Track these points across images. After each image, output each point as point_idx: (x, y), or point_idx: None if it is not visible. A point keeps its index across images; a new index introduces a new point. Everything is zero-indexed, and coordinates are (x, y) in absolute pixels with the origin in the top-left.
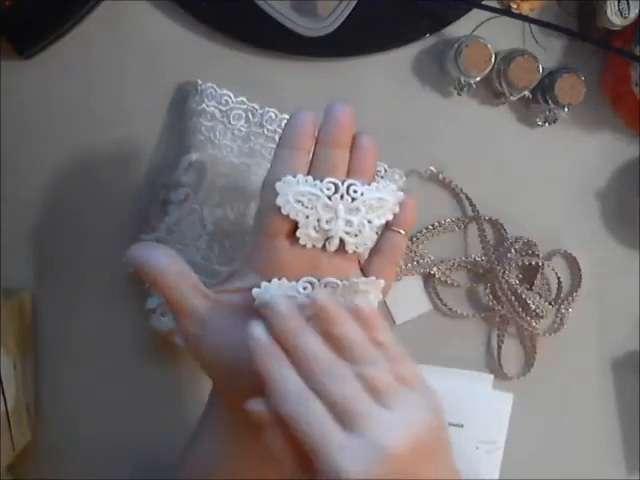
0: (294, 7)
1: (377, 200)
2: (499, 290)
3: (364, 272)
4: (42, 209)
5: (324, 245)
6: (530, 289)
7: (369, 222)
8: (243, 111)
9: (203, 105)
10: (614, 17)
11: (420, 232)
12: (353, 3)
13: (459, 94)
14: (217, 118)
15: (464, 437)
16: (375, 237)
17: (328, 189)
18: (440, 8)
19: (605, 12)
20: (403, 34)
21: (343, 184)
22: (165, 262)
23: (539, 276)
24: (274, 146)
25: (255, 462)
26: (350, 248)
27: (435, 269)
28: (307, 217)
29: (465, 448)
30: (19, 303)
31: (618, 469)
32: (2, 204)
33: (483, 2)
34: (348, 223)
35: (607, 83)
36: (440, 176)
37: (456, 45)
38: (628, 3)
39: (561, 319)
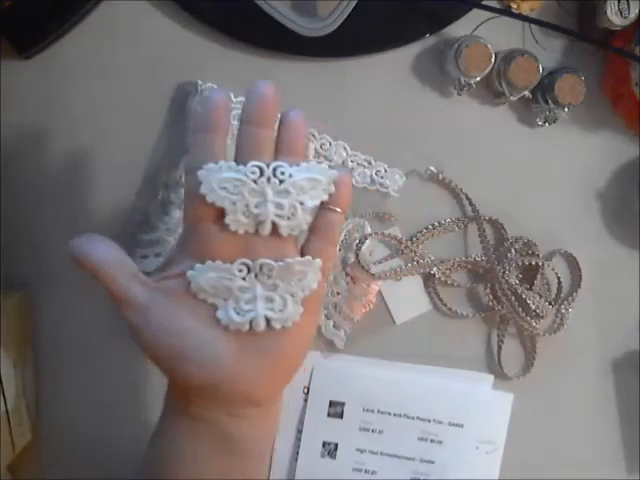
0: (294, 7)
1: (308, 180)
2: (499, 290)
3: (302, 253)
4: (42, 209)
5: (257, 230)
6: (530, 289)
7: (301, 204)
8: None
9: None
10: (614, 17)
11: (420, 232)
12: (353, 3)
13: (459, 94)
14: None
15: (464, 437)
16: (310, 219)
17: (253, 173)
18: (440, 8)
19: (605, 12)
20: (403, 34)
21: (269, 167)
22: (103, 253)
23: (539, 276)
24: None
25: (211, 454)
26: (284, 231)
27: (435, 269)
28: (234, 203)
29: (465, 448)
30: (19, 303)
31: (618, 469)
32: (2, 204)
33: (483, 2)
34: (278, 206)
35: (607, 83)
36: (440, 176)
37: (456, 45)
38: (628, 3)
39: (561, 319)
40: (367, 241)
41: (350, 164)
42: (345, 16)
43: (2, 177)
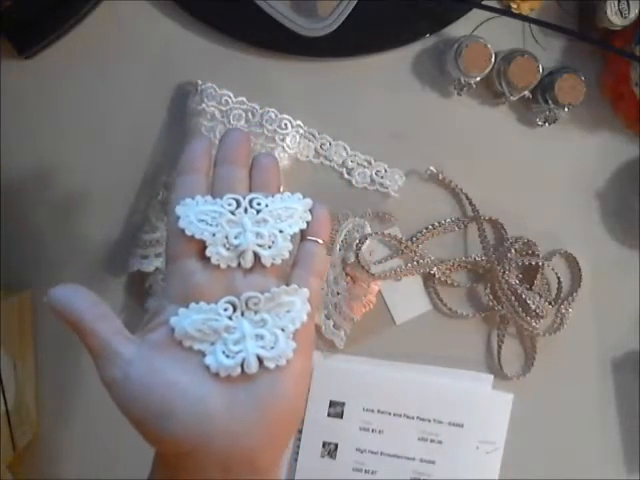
0: (294, 7)
1: (284, 209)
2: (499, 290)
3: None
4: (42, 209)
5: (239, 263)
6: (530, 289)
7: (280, 232)
8: (243, 111)
9: (203, 105)
10: (614, 17)
11: (420, 232)
12: (353, 3)
13: (459, 94)
14: (217, 118)
15: (464, 437)
16: (291, 247)
17: (229, 205)
18: (440, 8)
19: (605, 12)
20: (403, 34)
21: (244, 198)
22: (84, 306)
23: (539, 276)
24: (274, 146)
25: None
26: (266, 261)
27: (435, 269)
28: (214, 235)
29: (465, 448)
30: (19, 303)
31: (618, 469)
32: (2, 204)
33: (483, 2)
34: (258, 235)
35: (607, 83)
36: (440, 176)
37: (456, 45)
38: (628, 3)
39: (561, 319)
40: (367, 241)
41: (350, 164)
42: (345, 16)
43: (2, 177)
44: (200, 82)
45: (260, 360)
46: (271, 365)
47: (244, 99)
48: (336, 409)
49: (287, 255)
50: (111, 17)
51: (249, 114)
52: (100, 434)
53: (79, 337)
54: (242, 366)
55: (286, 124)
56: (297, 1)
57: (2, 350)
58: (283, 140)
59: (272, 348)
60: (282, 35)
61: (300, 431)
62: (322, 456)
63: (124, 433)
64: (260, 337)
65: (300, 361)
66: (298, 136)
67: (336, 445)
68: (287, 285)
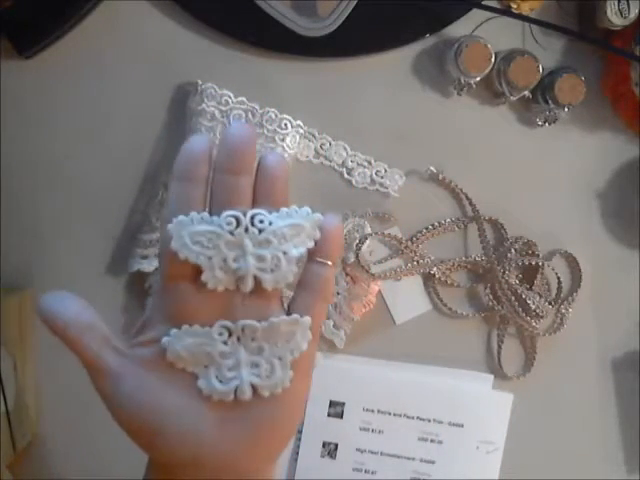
0: (294, 7)
1: (290, 227)
2: (499, 290)
3: (289, 310)
4: (42, 209)
5: (238, 286)
6: (530, 289)
7: (284, 254)
8: (243, 111)
9: (203, 105)
10: (614, 17)
11: (420, 232)
12: (353, 3)
13: (459, 94)
14: (217, 118)
15: (464, 437)
16: (295, 269)
17: (229, 224)
18: (440, 8)
19: (605, 12)
20: (403, 34)
21: (245, 216)
22: (72, 315)
23: (539, 276)
24: (274, 146)
25: None
26: (268, 285)
27: (435, 269)
28: (210, 259)
29: (465, 448)
30: (19, 303)
31: (618, 469)
32: (2, 204)
33: (483, 2)
34: (260, 258)
35: (607, 83)
36: (440, 176)
37: (456, 45)
38: (628, 3)
39: (561, 319)
40: (367, 241)
41: (350, 164)
42: (345, 16)
43: (2, 177)
44: (200, 82)
45: (254, 387)
46: (265, 394)
47: (244, 99)
48: (336, 409)
49: (291, 279)
50: (111, 17)
51: (249, 114)
52: (100, 434)
53: (68, 346)
54: (235, 392)
55: (286, 124)
56: (297, 1)
57: (2, 350)
58: (283, 140)
59: (268, 377)
60: (282, 35)
61: (300, 431)
62: (322, 456)
63: (124, 433)
64: (256, 365)
65: (296, 387)
66: (298, 136)
67: (336, 445)
68: (290, 308)
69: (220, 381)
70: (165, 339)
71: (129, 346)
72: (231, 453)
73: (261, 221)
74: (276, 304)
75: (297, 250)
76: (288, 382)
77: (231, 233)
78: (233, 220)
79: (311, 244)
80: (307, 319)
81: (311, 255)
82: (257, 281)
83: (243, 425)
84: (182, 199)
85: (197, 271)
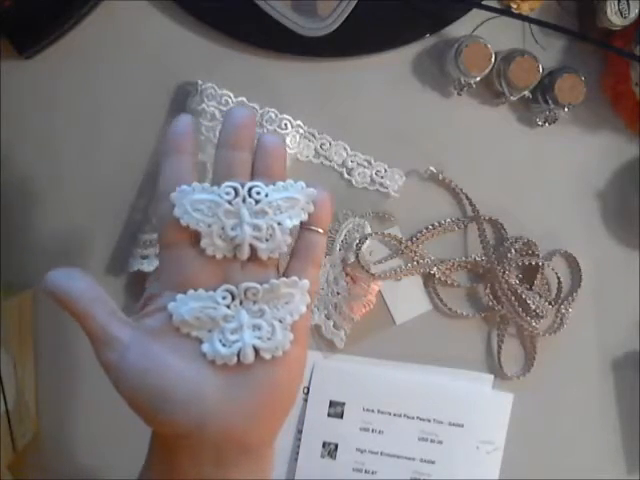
0: (294, 7)
1: (285, 200)
2: (499, 290)
3: (285, 277)
4: (42, 209)
5: (235, 254)
6: (530, 289)
7: (279, 224)
8: None
9: (203, 105)
10: (614, 17)
11: (420, 232)
12: (353, 3)
13: (459, 94)
14: (217, 118)
15: (464, 437)
16: (289, 240)
17: (227, 194)
18: (440, 8)
19: (605, 12)
20: (403, 34)
21: (243, 187)
22: (80, 289)
23: (539, 276)
24: None
25: None
26: (263, 254)
27: (435, 269)
28: (209, 226)
29: (465, 448)
30: (19, 303)
31: (618, 469)
32: (2, 204)
33: (483, 2)
34: (256, 227)
35: (607, 83)
36: (440, 176)
37: (456, 45)
38: (628, 3)
39: (561, 319)
40: (367, 241)
41: (350, 164)
42: (345, 16)
43: (2, 177)
44: (200, 82)
45: (256, 350)
46: (267, 356)
47: (244, 99)
48: (336, 409)
49: (285, 249)
50: (111, 17)
51: None
52: (100, 434)
53: (76, 320)
54: (238, 355)
55: (286, 124)
56: (297, 1)
57: (2, 350)
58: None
59: (269, 339)
60: (282, 35)
61: (300, 431)
62: (322, 456)
63: (124, 433)
64: (257, 327)
65: (296, 350)
66: (298, 136)
67: (336, 445)
68: (285, 274)
69: (223, 345)
70: (171, 304)
71: (135, 319)
72: (234, 416)
73: (258, 193)
74: (272, 270)
75: (291, 221)
76: (288, 344)
77: (229, 203)
78: (232, 190)
79: (305, 216)
80: (305, 282)
81: (304, 224)
82: (253, 250)
83: (246, 389)
84: (173, 169)
85: (196, 237)
